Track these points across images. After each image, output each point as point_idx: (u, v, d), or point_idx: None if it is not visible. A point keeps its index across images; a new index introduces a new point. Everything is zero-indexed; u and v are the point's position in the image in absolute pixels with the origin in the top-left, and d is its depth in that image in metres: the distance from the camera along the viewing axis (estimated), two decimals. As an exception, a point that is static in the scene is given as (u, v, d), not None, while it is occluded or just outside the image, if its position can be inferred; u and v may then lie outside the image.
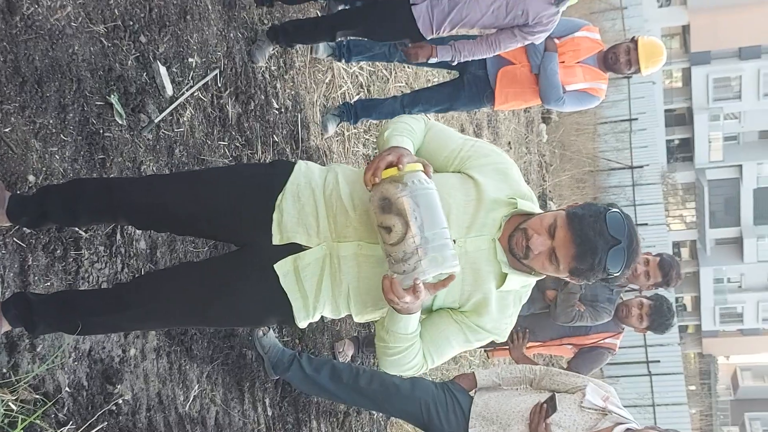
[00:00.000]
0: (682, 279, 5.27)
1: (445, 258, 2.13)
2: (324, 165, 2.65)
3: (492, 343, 3.01)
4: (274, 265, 2.44)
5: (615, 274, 2.28)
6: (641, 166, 20.03)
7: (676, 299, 29.19)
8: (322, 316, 2.59)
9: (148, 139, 3.69)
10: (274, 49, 4.94)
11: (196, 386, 3.85)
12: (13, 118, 2.88)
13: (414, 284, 2.14)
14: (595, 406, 3.96)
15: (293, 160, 2.69)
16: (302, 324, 2.56)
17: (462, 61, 4.79)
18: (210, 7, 4.38)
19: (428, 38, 4.57)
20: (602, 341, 5.28)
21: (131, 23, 3.67)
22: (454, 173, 2.48)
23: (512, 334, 5.25)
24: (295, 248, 2.44)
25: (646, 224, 19.60)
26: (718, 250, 38.65)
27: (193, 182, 2.63)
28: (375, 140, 6.63)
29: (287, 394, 4.73)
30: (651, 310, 5.16)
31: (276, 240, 2.45)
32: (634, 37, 5.19)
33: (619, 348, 5.56)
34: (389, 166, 2.20)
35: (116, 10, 3.57)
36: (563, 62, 5.13)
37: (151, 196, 2.58)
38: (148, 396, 3.49)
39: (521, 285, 2.45)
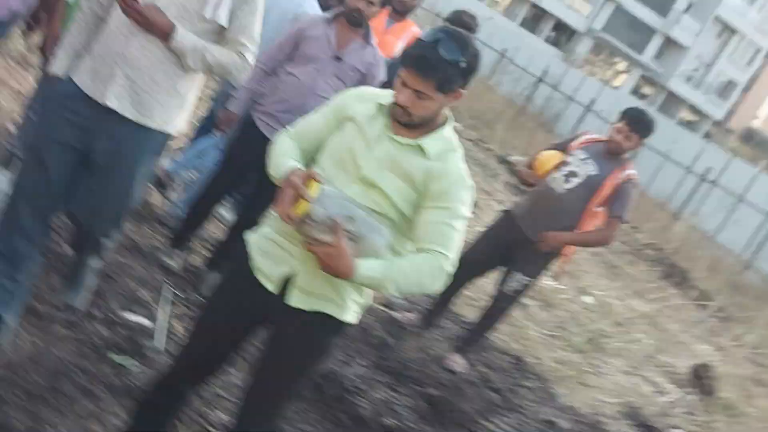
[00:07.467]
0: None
1: (379, 239, 2.32)
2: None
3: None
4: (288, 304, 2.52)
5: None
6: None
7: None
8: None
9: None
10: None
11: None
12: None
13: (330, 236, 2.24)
14: None
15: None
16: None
17: None
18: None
19: None
20: (620, 179, 5.02)
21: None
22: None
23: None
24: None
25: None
26: None
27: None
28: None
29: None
30: (631, 127, 5.01)
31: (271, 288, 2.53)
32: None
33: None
34: (296, 198, 2.25)
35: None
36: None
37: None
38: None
39: (439, 146, 2.45)
